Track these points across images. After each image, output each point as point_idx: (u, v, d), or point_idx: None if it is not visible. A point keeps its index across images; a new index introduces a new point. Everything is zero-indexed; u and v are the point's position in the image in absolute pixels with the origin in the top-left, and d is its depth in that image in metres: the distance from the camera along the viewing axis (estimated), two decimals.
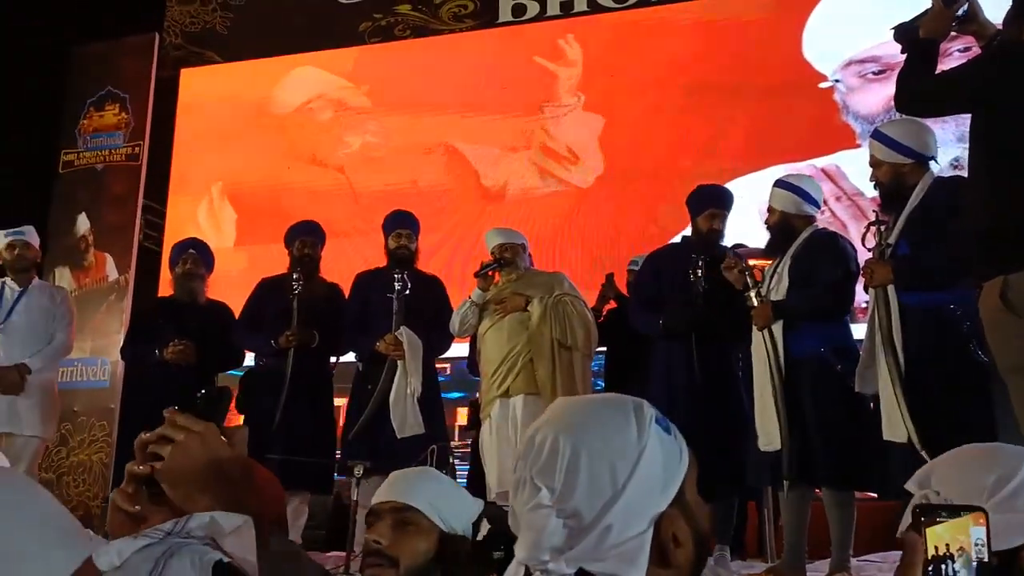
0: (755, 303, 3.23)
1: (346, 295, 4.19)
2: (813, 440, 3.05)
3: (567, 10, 6.23)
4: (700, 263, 3.56)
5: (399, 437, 3.71)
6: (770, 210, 3.38)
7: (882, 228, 2.89)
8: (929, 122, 3.00)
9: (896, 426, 2.68)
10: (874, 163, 2.98)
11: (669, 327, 3.58)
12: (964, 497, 1.10)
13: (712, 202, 3.77)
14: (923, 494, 1.19)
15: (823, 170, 5.32)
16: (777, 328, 3.18)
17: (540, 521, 0.85)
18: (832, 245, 3.26)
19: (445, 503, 1.50)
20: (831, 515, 3.07)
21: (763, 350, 3.18)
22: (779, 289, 3.25)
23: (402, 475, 1.58)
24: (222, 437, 0.94)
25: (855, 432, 3.01)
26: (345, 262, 4.97)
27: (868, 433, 2.90)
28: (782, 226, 3.32)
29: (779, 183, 3.41)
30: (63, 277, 6.24)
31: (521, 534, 0.88)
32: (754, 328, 3.23)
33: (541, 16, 6.27)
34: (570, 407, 0.93)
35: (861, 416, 3.01)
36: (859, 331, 3.15)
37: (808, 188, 3.36)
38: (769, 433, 3.13)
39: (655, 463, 0.88)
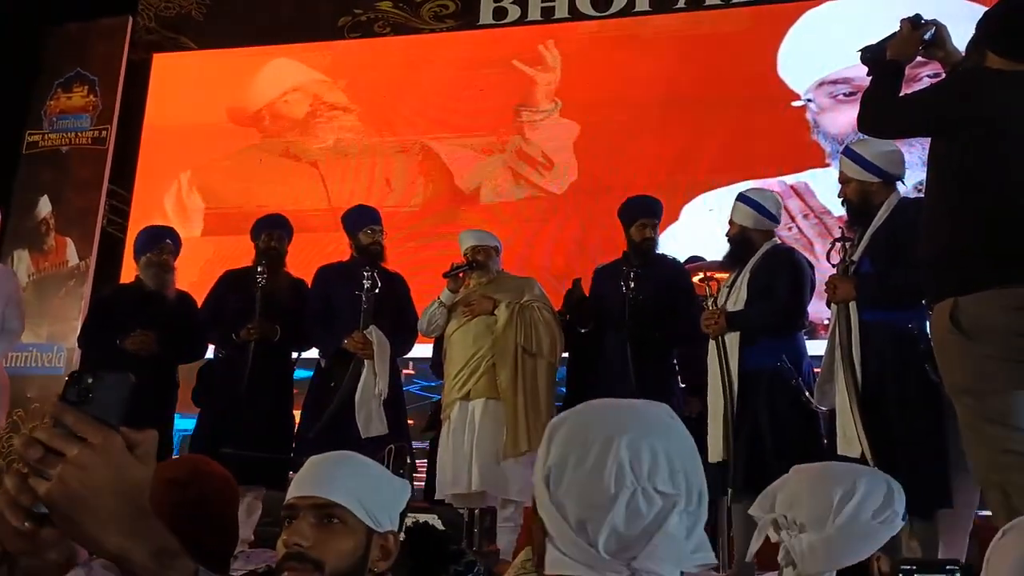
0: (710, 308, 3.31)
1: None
2: (766, 453, 3.08)
3: (548, 16, 6.24)
4: (632, 274, 3.70)
5: (364, 437, 3.66)
6: (730, 223, 3.45)
7: (847, 245, 2.94)
8: (897, 144, 3.05)
9: (851, 441, 2.71)
10: (843, 179, 3.03)
11: (606, 336, 3.73)
12: (815, 516, 1.15)
13: (643, 212, 3.92)
14: (771, 519, 1.23)
15: (792, 187, 5.39)
16: (733, 340, 3.23)
17: (682, 527, 0.87)
18: (789, 261, 3.33)
19: (372, 496, 1.36)
20: None
21: (716, 361, 3.23)
22: (737, 301, 3.31)
23: (322, 465, 1.41)
24: (127, 448, 0.70)
25: (806, 446, 3.06)
26: (315, 258, 4.91)
27: (818, 447, 2.94)
28: (740, 239, 3.41)
29: (740, 197, 3.50)
30: (21, 260, 6.11)
31: (658, 547, 0.85)
32: (710, 340, 3.29)
33: (522, 20, 6.27)
34: (637, 416, 0.94)
35: (812, 430, 3.06)
36: (820, 347, 3.20)
37: (766, 204, 3.44)
38: (716, 445, 3.18)
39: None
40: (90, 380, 0.72)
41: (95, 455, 0.69)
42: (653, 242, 3.88)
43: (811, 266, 3.41)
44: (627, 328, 3.67)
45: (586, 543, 0.86)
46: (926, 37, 2.40)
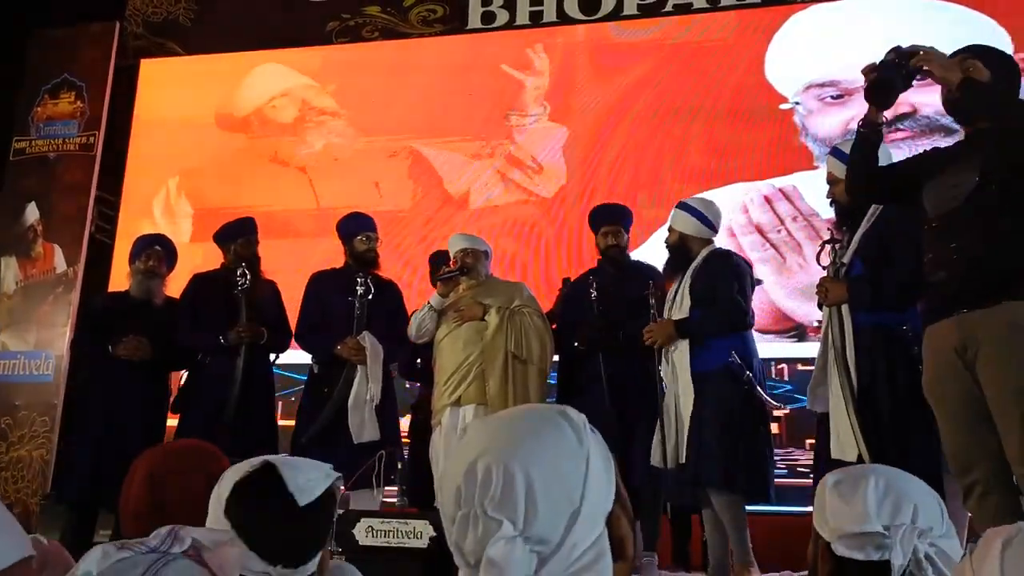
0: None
1: (282, 293, 4.14)
2: (709, 444, 3.13)
3: (536, 20, 6.25)
4: (594, 284, 3.73)
5: (356, 443, 3.65)
6: (670, 230, 3.50)
7: (836, 247, 2.94)
8: (884, 144, 3.05)
9: (846, 444, 2.70)
10: (830, 180, 3.03)
11: (577, 344, 3.73)
12: (937, 516, 1.12)
13: (604, 219, 3.92)
14: (908, 529, 1.16)
15: (781, 190, 5.41)
16: (683, 346, 3.25)
17: (506, 555, 0.81)
18: (729, 264, 3.37)
19: None
20: (724, 517, 3.14)
21: (668, 370, 3.29)
22: (682, 308, 3.34)
23: None
24: None
25: (751, 440, 3.10)
26: (304, 262, 4.90)
27: (763, 443, 2.99)
28: (679, 247, 3.46)
29: (681, 205, 3.56)
30: (9, 267, 6.06)
31: (484, 572, 0.81)
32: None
33: (510, 25, 6.27)
34: (504, 429, 0.89)
35: (766, 426, 3.11)
36: (812, 349, 3.20)
37: (707, 212, 3.49)
38: (676, 451, 3.23)
39: (599, 466, 0.88)
40: None
41: None
42: (617, 248, 3.86)
43: (750, 267, 3.48)
44: (593, 340, 3.68)
45: (463, 563, 0.86)
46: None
